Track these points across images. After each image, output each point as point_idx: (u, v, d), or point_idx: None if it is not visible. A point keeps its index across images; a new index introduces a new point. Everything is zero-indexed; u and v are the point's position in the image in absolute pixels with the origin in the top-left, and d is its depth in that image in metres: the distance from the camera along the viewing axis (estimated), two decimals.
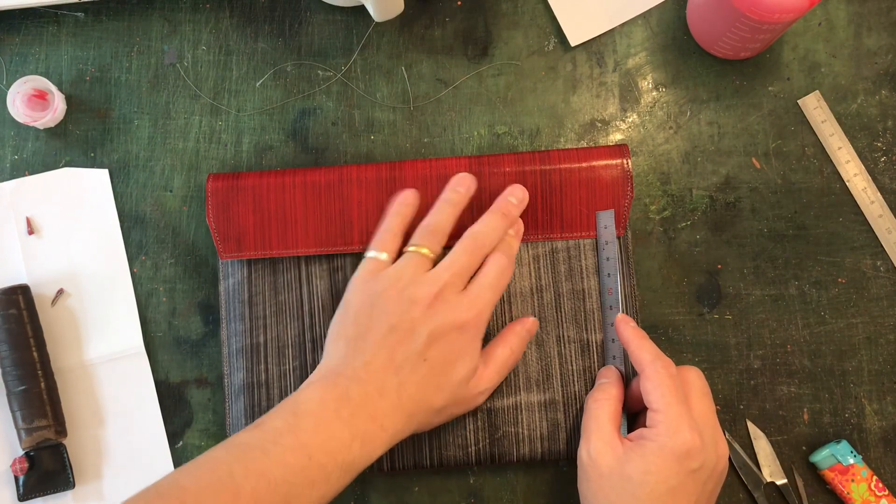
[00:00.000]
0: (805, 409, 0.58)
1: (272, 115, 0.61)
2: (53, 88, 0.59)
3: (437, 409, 0.51)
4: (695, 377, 0.51)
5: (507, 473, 0.58)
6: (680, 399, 0.49)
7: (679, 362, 0.58)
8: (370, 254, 0.53)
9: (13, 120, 0.59)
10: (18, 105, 0.59)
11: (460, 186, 0.54)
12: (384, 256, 0.52)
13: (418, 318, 0.49)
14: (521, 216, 0.56)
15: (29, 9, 0.61)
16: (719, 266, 0.59)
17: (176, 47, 0.61)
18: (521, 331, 0.55)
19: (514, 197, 0.55)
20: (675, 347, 0.58)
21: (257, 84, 0.61)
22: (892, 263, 0.58)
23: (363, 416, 0.47)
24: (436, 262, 0.52)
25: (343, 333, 0.51)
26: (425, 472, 0.58)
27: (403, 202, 0.54)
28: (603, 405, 0.51)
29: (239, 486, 0.43)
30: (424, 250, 0.52)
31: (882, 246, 0.59)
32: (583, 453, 0.50)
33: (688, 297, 0.59)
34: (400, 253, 0.53)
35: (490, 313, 0.52)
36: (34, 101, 0.60)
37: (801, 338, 0.58)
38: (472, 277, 0.52)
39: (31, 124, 0.59)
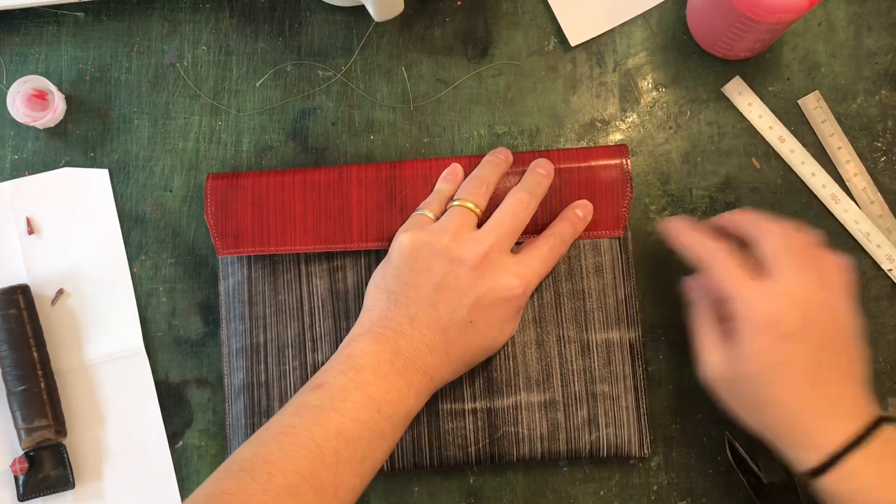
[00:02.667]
0: None
1: (272, 115, 0.61)
2: (53, 88, 0.59)
3: (477, 361, 0.52)
4: (769, 240, 0.49)
5: (507, 473, 0.58)
6: (742, 277, 0.47)
7: (679, 363, 0.58)
8: (418, 211, 0.53)
9: (13, 120, 0.59)
10: (18, 105, 0.59)
11: (500, 153, 0.55)
12: (430, 213, 0.52)
13: (464, 280, 0.49)
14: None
15: (29, 9, 0.61)
16: None
17: (176, 47, 0.61)
18: (578, 220, 0.55)
19: (543, 169, 0.54)
20: (676, 348, 0.58)
21: (257, 84, 0.61)
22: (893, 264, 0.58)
23: (414, 369, 0.48)
24: (481, 222, 0.52)
25: (385, 286, 0.51)
26: (425, 472, 0.58)
27: (452, 171, 0.55)
28: (698, 322, 0.51)
29: (322, 449, 0.44)
30: (470, 204, 0.52)
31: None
32: (702, 375, 0.50)
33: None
34: None
35: (537, 284, 0.52)
36: (34, 101, 0.60)
37: None
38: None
39: (31, 124, 0.59)
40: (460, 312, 0.49)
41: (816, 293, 0.47)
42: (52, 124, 0.60)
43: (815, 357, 0.47)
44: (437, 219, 0.52)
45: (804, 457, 0.47)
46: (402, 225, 0.53)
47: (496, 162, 0.54)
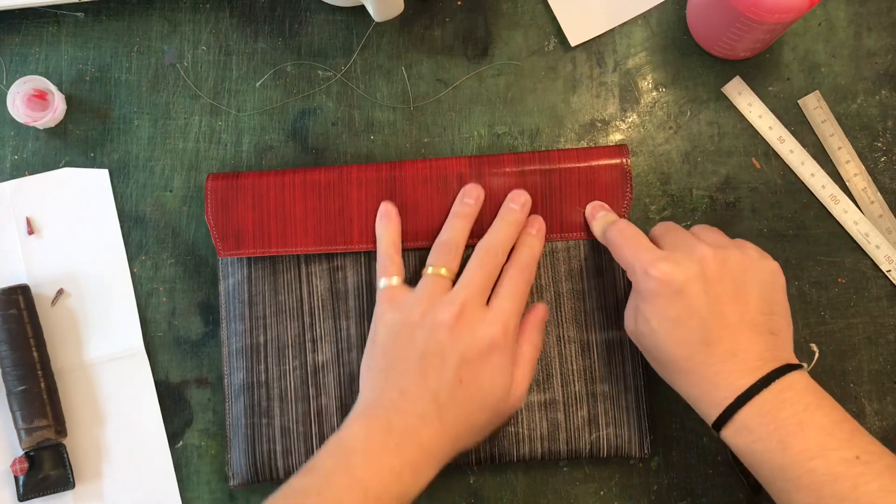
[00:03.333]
0: None
1: (272, 116, 0.61)
2: (53, 88, 0.59)
3: (482, 426, 0.50)
4: (661, 226, 0.53)
5: (507, 473, 0.58)
6: (635, 247, 0.50)
7: None
8: (381, 283, 0.53)
9: (13, 120, 0.59)
10: (18, 105, 0.59)
11: (469, 198, 0.54)
12: (395, 281, 0.52)
13: (445, 342, 0.49)
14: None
15: (29, 9, 0.61)
16: None
17: (176, 47, 0.61)
18: (537, 321, 0.54)
19: (515, 203, 0.55)
20: None
21: (257, 84, 0.61)
22: (893, 264, 0.58)
23: (410, 445, 0.47)
24: (455, 280, 0.52)
25: (374, 366, 0.51)
26: None
27: (388, 224, 0.54)
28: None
29: None
30: (442, 270, 0.52)
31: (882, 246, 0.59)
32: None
33: None
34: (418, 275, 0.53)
35: (517, 322, 0.51)
36: (34, 101, 0.60)
37: (800, 338, 0.58)
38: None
39: (31, 124, 0.59)
40: (448, 375, 0.49)
41: (709, 251, 0.48)
42: (52, 124, 0.60)
43: (712, 312, 0.47)
44: (401, 279, 0.53)
45: (708, 412, 0.48)
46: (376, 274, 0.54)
47: (465, 215, 0.54)
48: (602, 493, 0.57)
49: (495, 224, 0.54)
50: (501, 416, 0.51)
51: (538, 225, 0.55)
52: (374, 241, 0.55)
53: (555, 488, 0.58)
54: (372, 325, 0.52)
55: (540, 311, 0.55)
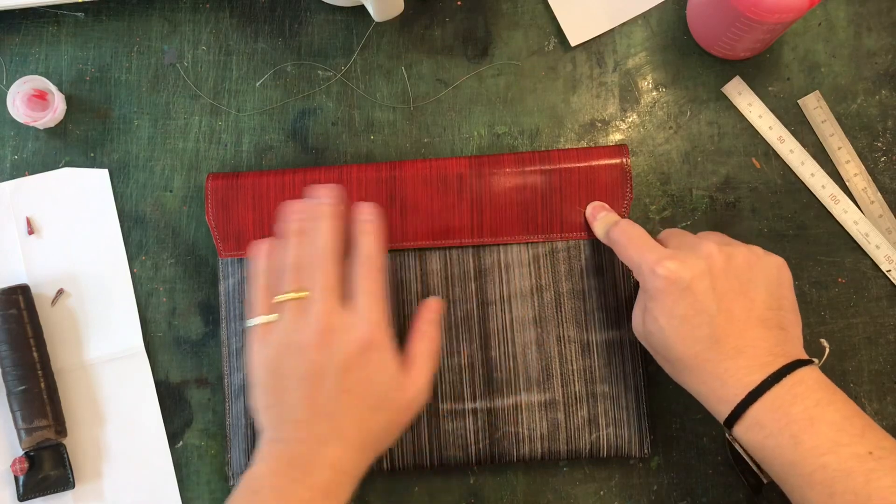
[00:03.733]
0: None
1: (272, 116, 0.61)
2: (53, 88, 0.59)
3: (384, 427, 0.50)
4: (667, 231, 0.54)
5: (507, 473, 0.58)
6: (640, 246, 0.51)
7: None
8: (248, 325, 0.51)
9: (13, 120, 0.59)
10: (18, 105, 0.59)
11: (294, 213, 0.51)
12: (260, 320, 0.50)
13: (319, 360, 0.48)
14: (524, 217, 0.56)
15: (29, 9, 0.61)
16: None
17: (176, 47, 0.61)
18: (429, 316, 0.53)
19: (319, 197, 0.51)
20: None
21: (257, 84, 0.61)
22: (893, 264, 0.58)
23: (317, 470, 0.47)
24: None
25: (262, 405, 0.50)
26: (425, 472, 0.58)
27: (256, 259, 0.52)
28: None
29: None
30: (291, 294, 0.49)
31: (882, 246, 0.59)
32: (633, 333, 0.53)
33: None
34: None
35: (381, 314, 0.49)
36: (34, 101, 0.60)
37: (802, 337, 0.58)
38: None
39: (31, 124, 0.59)
40: (331, 390, 0.48)
41: (714, 248, 0.49)
42: (52, 124, 0.60)
43: (720, 309, 0.47)
44: (266, 315, 0.50)
45: (719, 409, 0.48)
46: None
47: (299, 230, 0.50)
48: (602, 493, 0.57)
49: (313, 228, 0.50)
50: (403, 412, 0.50)
51: (367, 209, 0.51)
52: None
53: (555, 488, 0.58)
54: (248, 367, 0.51)
55: (430, 304, 0.54)
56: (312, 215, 0.50)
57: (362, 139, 0.60)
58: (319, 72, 0.61)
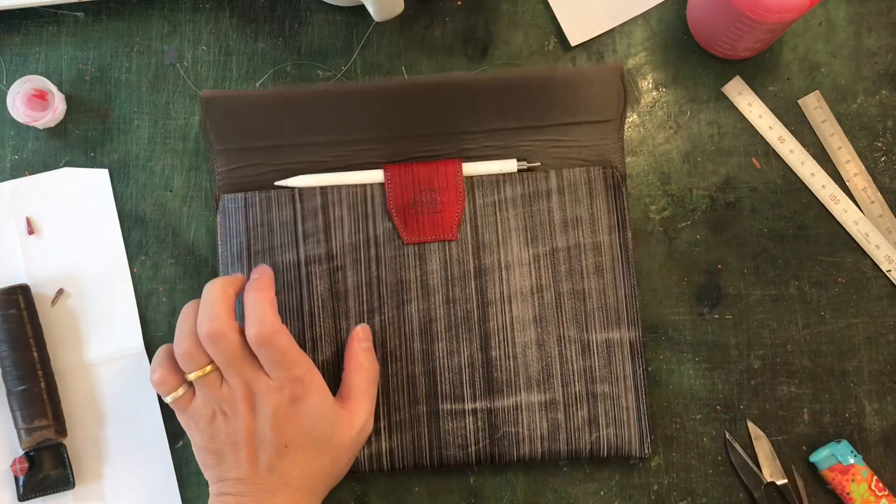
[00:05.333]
0: (805, 409, 0.58)
1: None
2: (53, 88, 0.59)
3: (332, 465, 0.51)
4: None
5: (508, 473, 0.58)
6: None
7: (679, 362, 0.58)
8: (167, 400, 0.51)
9: (13, 120, 0.59)
10: (18, 105, 0.59)
11: (194, 306, 0.51)
12: (178, 393, 0.51)
13: (252, 425, 0.49)
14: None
15: (29, 9, 0.61)
16: (719, 266, 0.59)
17: (176, 47, 0.61)
18: (358, 347, 0.54)
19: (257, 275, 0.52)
20: (676, 347, 0.58)
21: (257, 84, 0.61)
22: (892, 265, 0.58)
23: None
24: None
25: (207, 465, 0.51)
26: (425, 472, 0.58)
27: (159, 358, 0.52)
28: None
29: None
30: (196, 373, 0.50)
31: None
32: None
33: (688, 297, 0.59)
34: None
35: (296, 359, 0.49)
36: (34, 101, 0.60)
37: (801, 338, 0.58)
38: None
39: (31, 124, 0.59)
40: (270, 449, 0.49)
41: None
42: (52, 124, 0.60)
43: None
44: (182, 387, 0.51)
45: None
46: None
47: (186, 315, 0.51)
48: (602, 493, 0.57)
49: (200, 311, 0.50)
50: (347, 449, 0.52)
51: (258, 273, 0.52)
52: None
53: (555, 488, 0.58)
54: (186, 430, 0.52)
55: (357, 335, 0.55)
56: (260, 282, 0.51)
57: None
58: (319, 72, 0.61)
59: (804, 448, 0.58)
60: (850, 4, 0.60)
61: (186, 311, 0.51)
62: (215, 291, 0.50)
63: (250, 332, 0.49)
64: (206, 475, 0.51)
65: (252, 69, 0.61)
